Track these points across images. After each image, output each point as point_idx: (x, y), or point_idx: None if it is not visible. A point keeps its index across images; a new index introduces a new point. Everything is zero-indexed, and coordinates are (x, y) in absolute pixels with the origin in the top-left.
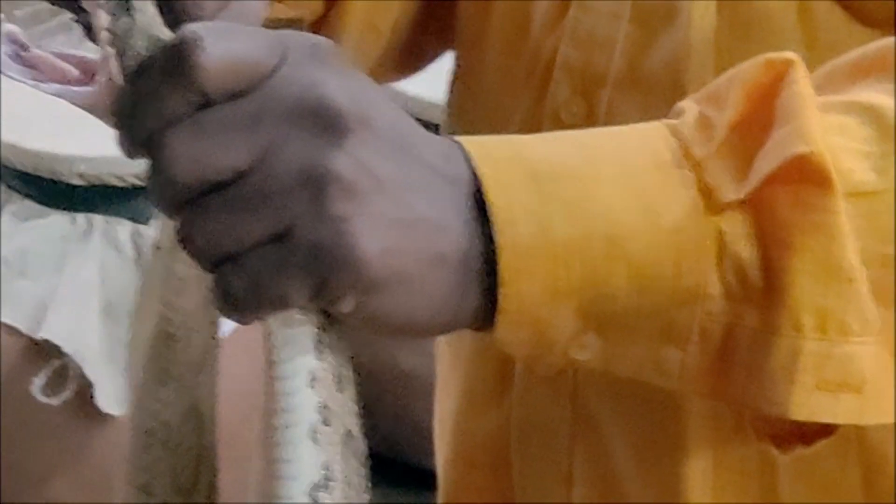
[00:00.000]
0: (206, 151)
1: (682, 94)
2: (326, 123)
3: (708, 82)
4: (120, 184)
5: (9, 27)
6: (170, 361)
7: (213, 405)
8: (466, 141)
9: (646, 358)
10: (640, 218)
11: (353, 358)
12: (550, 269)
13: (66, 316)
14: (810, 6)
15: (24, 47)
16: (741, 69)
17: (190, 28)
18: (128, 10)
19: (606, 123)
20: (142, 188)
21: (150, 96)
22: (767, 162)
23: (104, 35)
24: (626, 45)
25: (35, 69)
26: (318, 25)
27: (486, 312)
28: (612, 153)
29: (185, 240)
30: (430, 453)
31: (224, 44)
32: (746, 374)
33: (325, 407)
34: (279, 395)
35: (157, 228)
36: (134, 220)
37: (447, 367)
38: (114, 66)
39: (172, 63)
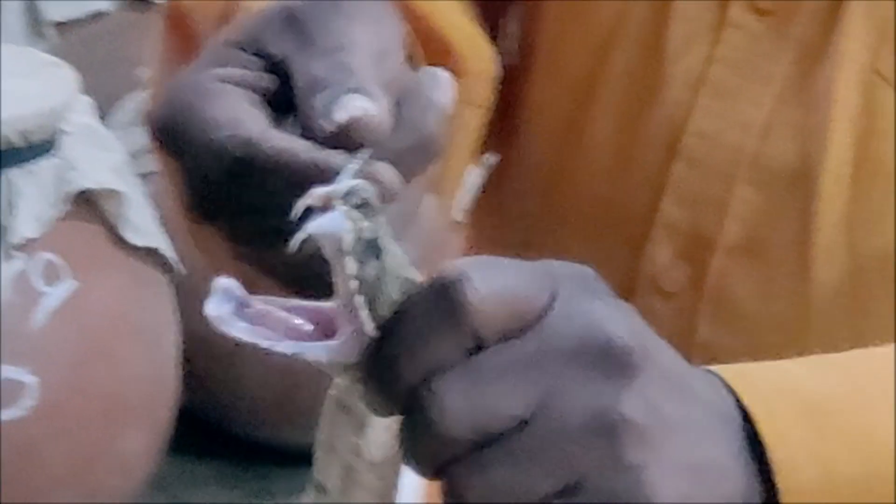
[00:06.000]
0: (484, 400)
1: (807, 269)
2: (615, 363)
3: (840, 259)
4: None
5: (224, 282)
6: None
7: None
8: (724, 371)
9: None
10: None
11: None
12: None
13: None
14: None
15: (245, 304)
16: None
17: (455, 265)
18: (377, 254)
19: (717, 294)
20: None
21: (413, 344)
22: None
23: (352, 283)
24: (740, 210)
25: (263, 326)
26: None
27: None
28: (878, 377)
29: (458, 498)
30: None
31: (494, 280)
32: None
33: None
34: None
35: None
36: None
37: None
38: (364, 316)
39: (441, 305)
